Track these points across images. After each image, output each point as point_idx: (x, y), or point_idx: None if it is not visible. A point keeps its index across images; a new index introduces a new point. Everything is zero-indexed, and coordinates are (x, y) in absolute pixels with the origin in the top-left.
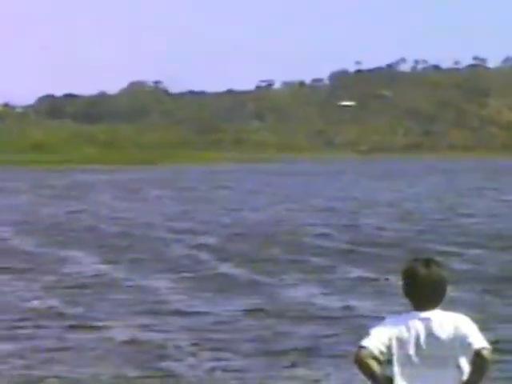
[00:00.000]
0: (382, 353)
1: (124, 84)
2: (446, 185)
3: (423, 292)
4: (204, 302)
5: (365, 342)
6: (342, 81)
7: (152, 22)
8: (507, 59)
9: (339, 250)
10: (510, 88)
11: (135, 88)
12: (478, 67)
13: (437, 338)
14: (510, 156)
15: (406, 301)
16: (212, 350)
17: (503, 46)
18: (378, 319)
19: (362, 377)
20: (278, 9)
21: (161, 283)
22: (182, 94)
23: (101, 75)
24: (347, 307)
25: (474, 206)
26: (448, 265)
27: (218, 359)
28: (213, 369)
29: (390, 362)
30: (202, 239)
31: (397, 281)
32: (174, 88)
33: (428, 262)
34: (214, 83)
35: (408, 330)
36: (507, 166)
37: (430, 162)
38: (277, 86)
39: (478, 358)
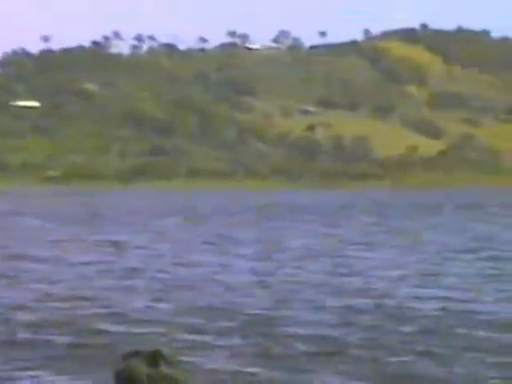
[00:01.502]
0: None
1: None
2: (184, 235)
3: None
4: None
5: None
6: (20, 68)
7: None
8: (282, 34)
9: None
10: (286, 80)
11: None
12: (236, 48)
13: None
14: (283, 185)
15: None
16: None
17: (275, 17)
18: None
19: None
20: None
21: None
22: None
23: None
24: None
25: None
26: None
27: None
28: None
29: None
30: None
31: None
32: None
33: (155, 358)
34: None
35: None
36: (277, 202)
37: (159, 196)
38: None
39: None
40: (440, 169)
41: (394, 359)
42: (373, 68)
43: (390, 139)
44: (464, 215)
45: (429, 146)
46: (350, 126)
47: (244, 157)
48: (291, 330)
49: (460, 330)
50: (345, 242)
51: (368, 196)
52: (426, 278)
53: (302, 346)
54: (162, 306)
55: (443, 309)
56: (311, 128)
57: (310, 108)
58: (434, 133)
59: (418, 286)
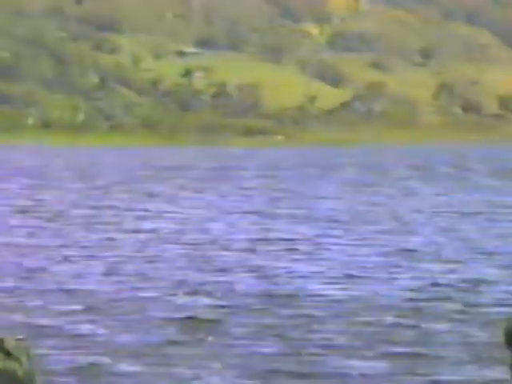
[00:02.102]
0: None
1: None
2: None
3: None
4: None
5: None
6: None
7: None
8: None
9: None
10: (159, 16)
11: None
12: None
13: None
14: (154, 141)
15: None
16: None
17: None
18: None
19: None
20: None
21: None
22: None
23: None
24: None
25: None
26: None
27: None
28: None
29: None
30: None
31: None
32: None
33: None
34: None
35: None
36: (145, 161)
37: (3, 153)
38: None
39: None
40: (343, 123)
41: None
42: (263, 1)
43: (283, 87)
44: (366, 179)
45: (330, 96)
46: (235, 71)
47: (107, 106)
48: (151, 312)
49: (346, 313)
50: (219, 211)
51: (256, 155)
52: (311, 254)
53: (159, 331)
54: None
55: (333, 289)
56: (188, 73)
57: (187, 49)
58: (336, 80)
59: (303, 263)
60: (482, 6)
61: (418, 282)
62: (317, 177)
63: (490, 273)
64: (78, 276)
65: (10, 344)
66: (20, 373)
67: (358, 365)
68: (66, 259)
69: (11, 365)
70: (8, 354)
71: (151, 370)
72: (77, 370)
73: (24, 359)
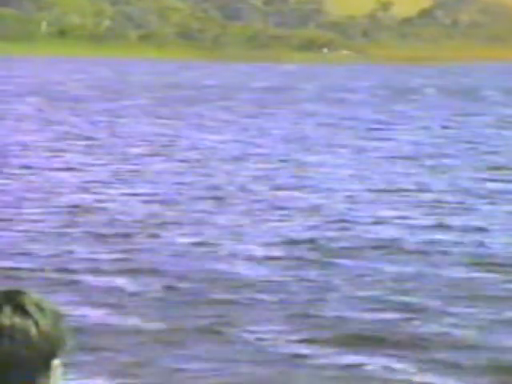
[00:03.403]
0: None
1: None
2: None
3: None
4: None
5: None
6: None
7: None
8: None
9: None
10: None
11: None
12: None
13: None
14: (192, 54)
15: None
16: None
17: None
18: None
19: None
20: None
21: None
22: None
23: None
24: None
25: None
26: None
27: None
28: None
29: None
30: None
31: None
32: None
33: (15, 301)
34: None
35: None
36: (181, 80)
37: (9, 65)
38: None
39: None
40: (422, 36)
41: None
42: None
43: None
44: (450, 105)
45: (407, 2)
46: None
47: (137, 12)
48: None
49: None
50: (281, 141)
51: (317, 73)
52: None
53: None
54: None
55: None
56: None
57: None
58: None
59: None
60: None
61: None
62: (391, 101)
63: None
64: None
65: (27, 299)
66: (33, 333)
67: None
68: None
69: (22, 323)
70: (22, 309)
71: None
72: None
73: (41, 317)
